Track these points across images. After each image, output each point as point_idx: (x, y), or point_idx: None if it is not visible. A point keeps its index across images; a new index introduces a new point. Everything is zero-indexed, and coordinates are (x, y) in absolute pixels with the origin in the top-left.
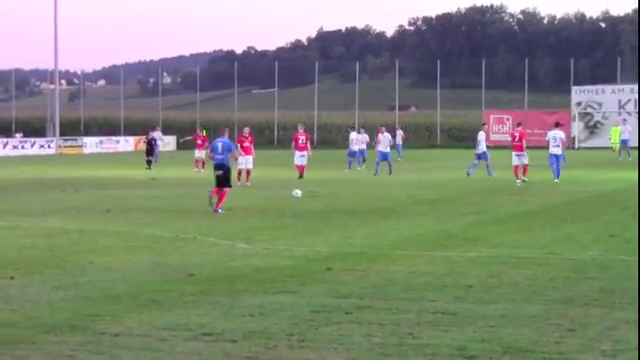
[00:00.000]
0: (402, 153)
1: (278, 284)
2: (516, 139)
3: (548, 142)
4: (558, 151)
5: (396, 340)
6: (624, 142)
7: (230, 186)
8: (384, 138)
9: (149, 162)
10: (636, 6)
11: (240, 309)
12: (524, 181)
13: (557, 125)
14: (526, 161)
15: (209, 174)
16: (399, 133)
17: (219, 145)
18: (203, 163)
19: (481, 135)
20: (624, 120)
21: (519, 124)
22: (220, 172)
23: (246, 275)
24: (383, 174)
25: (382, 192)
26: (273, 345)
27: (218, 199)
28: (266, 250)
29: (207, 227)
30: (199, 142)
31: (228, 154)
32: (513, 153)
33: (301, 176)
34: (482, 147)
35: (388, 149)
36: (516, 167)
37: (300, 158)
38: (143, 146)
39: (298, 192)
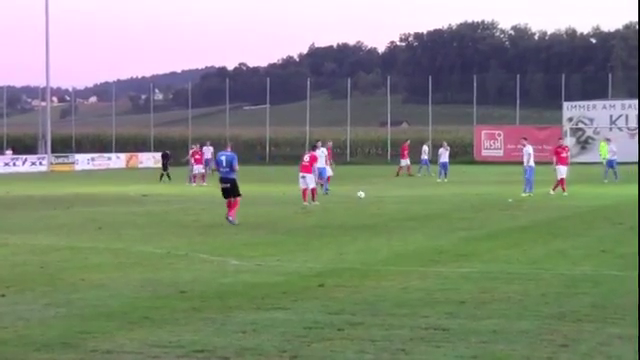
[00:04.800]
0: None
1: (270, 300)
2: (562, 153)
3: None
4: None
5: (388, 356)
6: (610, 163)
7: (240, 195)
8: (321, 153)
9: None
10: (626, 22)
11: (232, 326)
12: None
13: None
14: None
15: (203, 189)
16: (425, 149)
17: (223, 159)
18: (203, 176)
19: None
20: (608, 140)
21: (561, 138)
22: (227, 185)
23: (238, 291)
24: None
25: (374, 208)
26: None
27: (230, 208)
28: (258, 266)
29: (199, 243)
30: (197, 157)
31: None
32: (559, 166)
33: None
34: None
35: (324, 165)
36: (562, 180)
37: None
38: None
39: (362, 194)
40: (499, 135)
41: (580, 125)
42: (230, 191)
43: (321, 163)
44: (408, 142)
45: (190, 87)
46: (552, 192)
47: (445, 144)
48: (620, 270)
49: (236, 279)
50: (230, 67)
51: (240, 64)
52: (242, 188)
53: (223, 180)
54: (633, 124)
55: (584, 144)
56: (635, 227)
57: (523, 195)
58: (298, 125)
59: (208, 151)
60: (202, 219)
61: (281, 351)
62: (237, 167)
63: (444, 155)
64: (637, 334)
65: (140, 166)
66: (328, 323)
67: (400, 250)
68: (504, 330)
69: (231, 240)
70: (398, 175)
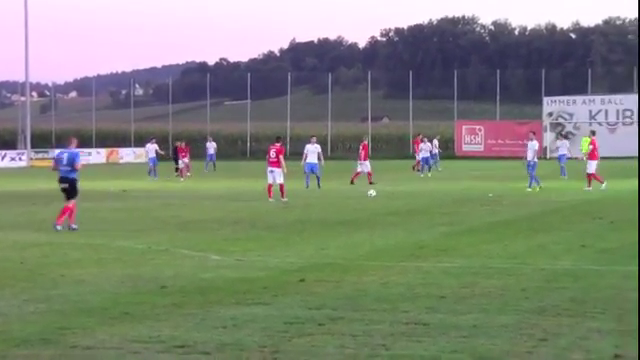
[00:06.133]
0: (438, 163)
1: (251, 296)
2: (594, 148)
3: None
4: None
5: (369, 351)
6: (561, 158)
7: (75, 196)
8: (314, 149)
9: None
10: (605, 17)
11: (213, 321)
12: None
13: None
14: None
15: (185, 184)
16: (436, 143)
17: (64, 156)
18: (181, 171)
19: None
20: (593, 132)
21: (593, 132)
22: (66, 185)
23: (219, 287)
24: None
25: (356, 203)
26: (246, 357)
27: (61, 212)
28: (239, 262)
29: (180, 239)
30: (183, 153)
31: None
32: (591, 161)
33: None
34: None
35: (316, 160)
36: (593, 174)
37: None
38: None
39: (372, 192)
40: (480, 130)
41: (560, 120)
42: (68, 192)
43: (312, 159)
44: (420, 136)
45: (171, 82)
46: (588, 188)
47: (425, 139)
48: (600, 265)
49: (217, 274)
50: (211, 62)
51: (221, 59)
52: (222, 184)
53: (62, 180)
54: (612, 119)
55: (564, 139)
56: (615, 222)
57: (528, 190)
58: (279, 120)
59: (211, 147)
60: (183, 214)
61: (262, 346)
62: (80, 166)
63: (425, 150)
64: (637, 333)
65: (120, 161)
66: (309, 318)
67: (381, 245)
68: (484, 324)
69: (212, 235)
70: (414, 170)
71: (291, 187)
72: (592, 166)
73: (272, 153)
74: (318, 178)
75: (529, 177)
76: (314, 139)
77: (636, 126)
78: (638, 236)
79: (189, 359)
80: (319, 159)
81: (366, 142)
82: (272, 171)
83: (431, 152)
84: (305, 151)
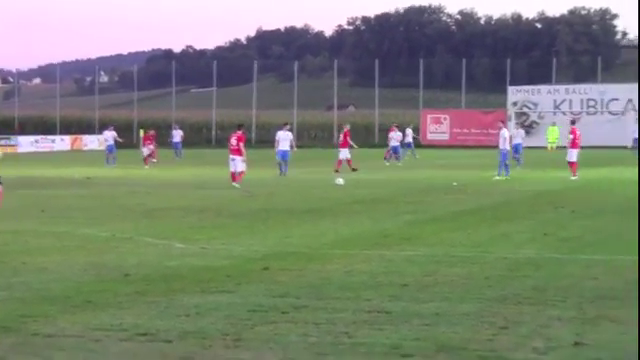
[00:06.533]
0: (415, 151)
1: (215, 284)
2: (575, 137)
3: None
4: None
5: (332, 339)
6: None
7: None
8: (286, 136)
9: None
10: (571, 7)
11: (176, 309)
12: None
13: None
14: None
15: (150, 172)
16: (409, 132)
17: None
18: (145, 159)
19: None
20: (554, 123)
21: (573, 122)
22: None
23: (182, 275)
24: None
25: (321, 192)
26: (209, 345)
27: None
28: (203, 250)
29: (144, 227)
30: (149, 140)
31: None
32: (572, 150)
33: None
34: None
35: (288, 148)
36: (573, 164)
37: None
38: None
39: (340, 181)
40: (445, 119)
41: (524, 109)
42: None
43: (284, 145)
44: (394, 125)
45: (136, 69)
46: (574, 177)
47: (396, 128)
48: (561, 253)
49: (181, 262)
50: (177, 50)
51: (187, 47)
52: (188, 171)
53: None
54: (576, 109)
55: (528, 128)
56: (577, 211)
57: (497, 178)
58: (245, 108)
59: (177, 134)
60: (148, 202)
61: (224, 334)
62: None
63: (395, 139)
64: (637, 331)
65: (85, 148)
66: (272, 306)
67: (345, 234)
68: (446, 313)
69: (177, 223)
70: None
71: (258, 175)
72: (573, 154)
73: (233, 141)
74: (287, 165)
75: (499, 165)
76: (287, 126)
77: (605, 116)
78: (638, 234)
79: (151, 347)
80: (291, 146)
81: (347, 129)
82: (233, 159)
83: (402, 141)
84: (277, 137)
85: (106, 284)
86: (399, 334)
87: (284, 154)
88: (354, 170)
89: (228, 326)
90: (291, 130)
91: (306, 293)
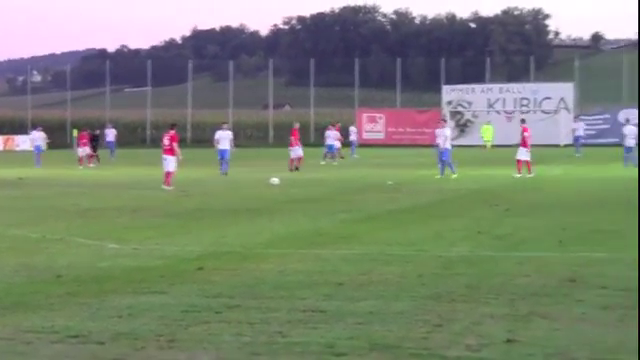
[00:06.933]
0: (355, 150)
1: (148, 284)
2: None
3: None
4: None
5: (266, 339)
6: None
7: None
8: (226, 135)
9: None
10: (504, 7)
11: (108, 310)
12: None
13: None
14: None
15: (88, 172)
16: (352, 130)
17: None
18: (90, 158)
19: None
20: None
21: (523, 120)
22: None
23: (115, 276)
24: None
25: (256, 191)
26: (141, 346)
27: None
28: (136, 250)
29: (77, 227)
30: (84, 140)
31: None
32: (522, 148)
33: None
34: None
35: (228, 147)
36: (522, 161)
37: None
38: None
39: (275, 180)
40: (380, 118)
41: (459, 108)
42: None
43: (224, 145)
44: (339, 124)
45: (69, 69)
46: (529, 175)
47: (332, 127)
48: (495, 251)
49: (114, 263)
50: (111, 49)
51: (122, 46)
52: (122, 171)
53: None
54: (510, 108)
55: (463, 127)
56: (511, 209)
57: (438, 177)
58: (180, 107)
59: (111, 133)
60: (82, 203)
61: (158, 335)
62: None
63: (332, 138)
64: (637, 330)
65: (17, 149)
66: (206, 306)
67: (281, 233)
68: (381, 311)
69: (110, 224)
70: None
71: (194, 174)
72: (522, 153)
73: (166, 140)
74: (227, 165)
75: (445, 165)
76: (226, 125)
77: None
78: (638, 233)
79: (83, 349)
80: (230, 145)
81: (296, 128)
82: (165, 159)
83: (342, 140)
84: (217, 137)
85: (37, 285)
86: (333, 333)
87: (224, 153)
88: (296, 169)
89: (161, 327)
90: (230, 129)
91: (240, 293)
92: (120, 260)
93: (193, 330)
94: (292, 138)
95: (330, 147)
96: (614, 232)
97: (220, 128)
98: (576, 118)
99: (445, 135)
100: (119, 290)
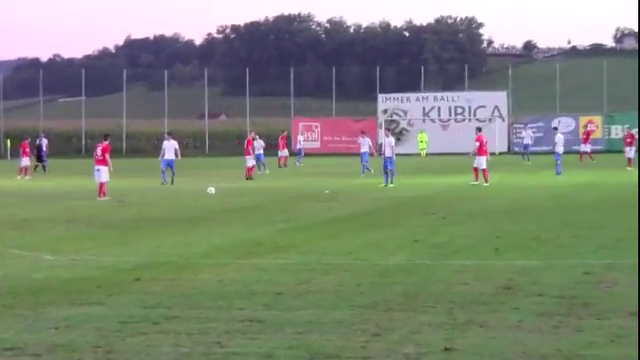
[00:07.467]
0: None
1: (84, 295)
2: (482, 144)
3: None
4: None
5: (204, 349)
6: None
7: None
8: (170, 145)
9: (44, 166)
10: (437, 16)
11: (44, 322)
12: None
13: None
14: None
15: (26, 183)
16: (300, 139)
17: None
18: (27, 170)
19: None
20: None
21: (479, 129)
22: None
23: (51, 287)
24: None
25: (192, 201)
26: (78, 358)
27: None
28: (73, 261)
29: (12, 238)
30: (26, 150)
31: None
32: (479, 157)
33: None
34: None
35: (173, 156)
36: (484, 170)
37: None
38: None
39: (212, 190)
40: (316, 127)
41: (394, 117)
42: None
43: (169, 155)
44: (285, 133)
45: (1, 78)
46: (475, 182)
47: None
48: (432, 259)
49: (50, 274)
50: (44, 58)
51: (54, 55)
52: (58, 182)
53: None
54: (445, 116)
55: (399, 135)
56: (447, 217)
57: (382, 186)
58: (115, 117)
59: (44, 143)
60: (18, 213)
61: (95, 347)
62: None
63: (258, 147)
64: (637, 331)
65: None
66: (143, 317)
67: (218, 243)
68: (319, 320)
69: (46, 235)
70: (280, 167)
71: (130, 184)
72: (481, 161)
73: (98, 151)
74: (173, 174)
75: (390, 173)
76: (169, 136)
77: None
78: (638, 235)
79: None
80: (176, 155)
81: (251, 137)
82: (98, 169)
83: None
84: (162, 147)
85: None
86: (272, 343)
87: (170, 162)
88: (250, 178)
89: (99, 338)
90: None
91: (178, 303)
92: (56, 271)
93: (131, 341)
94: (248, 148)
95: (258, 156)
96: (549, 240)
97: (166, 139)
98: (525, 126)
99: (391, 145)
100: (56, 302)
